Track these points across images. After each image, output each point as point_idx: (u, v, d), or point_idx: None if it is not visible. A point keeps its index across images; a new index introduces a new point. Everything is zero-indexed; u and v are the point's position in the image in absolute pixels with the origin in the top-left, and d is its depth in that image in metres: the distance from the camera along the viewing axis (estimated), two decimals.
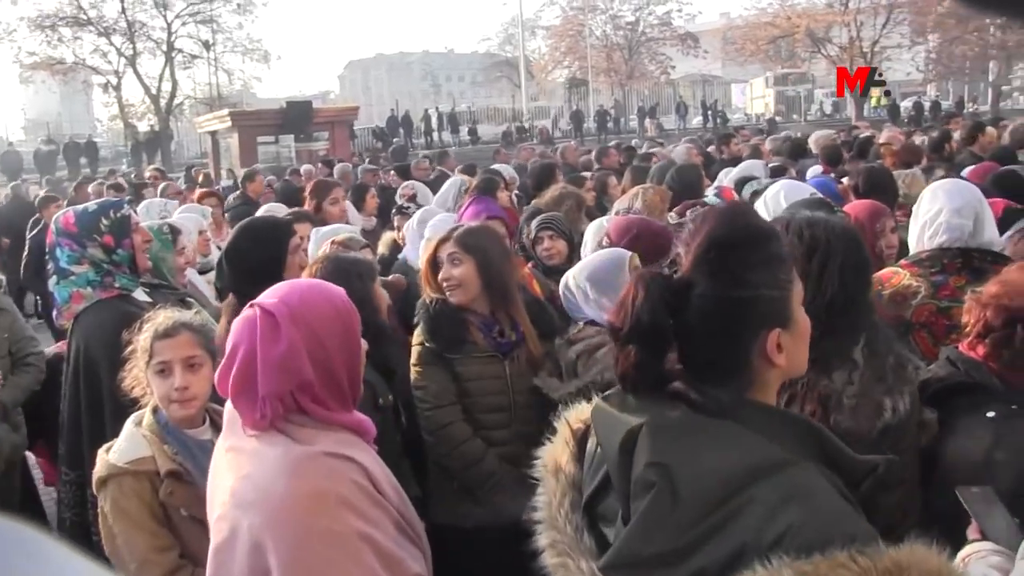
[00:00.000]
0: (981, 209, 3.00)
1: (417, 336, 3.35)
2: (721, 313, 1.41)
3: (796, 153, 9.28)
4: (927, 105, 38.88)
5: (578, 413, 1.65)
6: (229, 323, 2.37)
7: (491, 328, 3.28)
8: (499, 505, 3.05)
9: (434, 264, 3.31)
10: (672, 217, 4.41)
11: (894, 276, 3.02)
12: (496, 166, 9.00)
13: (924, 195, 3.09)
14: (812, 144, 9.74)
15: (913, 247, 3.07)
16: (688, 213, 4.14)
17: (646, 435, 1.38)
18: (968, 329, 2.37)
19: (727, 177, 6.41)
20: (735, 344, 1.43)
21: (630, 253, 3.22)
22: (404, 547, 1.89)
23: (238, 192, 9.52)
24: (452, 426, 3.22)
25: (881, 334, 2.30)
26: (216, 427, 2.46)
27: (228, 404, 1.97)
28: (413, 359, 3.33)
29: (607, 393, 1.55)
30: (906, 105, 41.10)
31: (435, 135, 38.89)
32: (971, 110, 36.59)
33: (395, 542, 1.85)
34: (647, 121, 39.66)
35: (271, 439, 1.86)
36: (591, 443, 1.57)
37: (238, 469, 1.87)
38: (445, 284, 3.26)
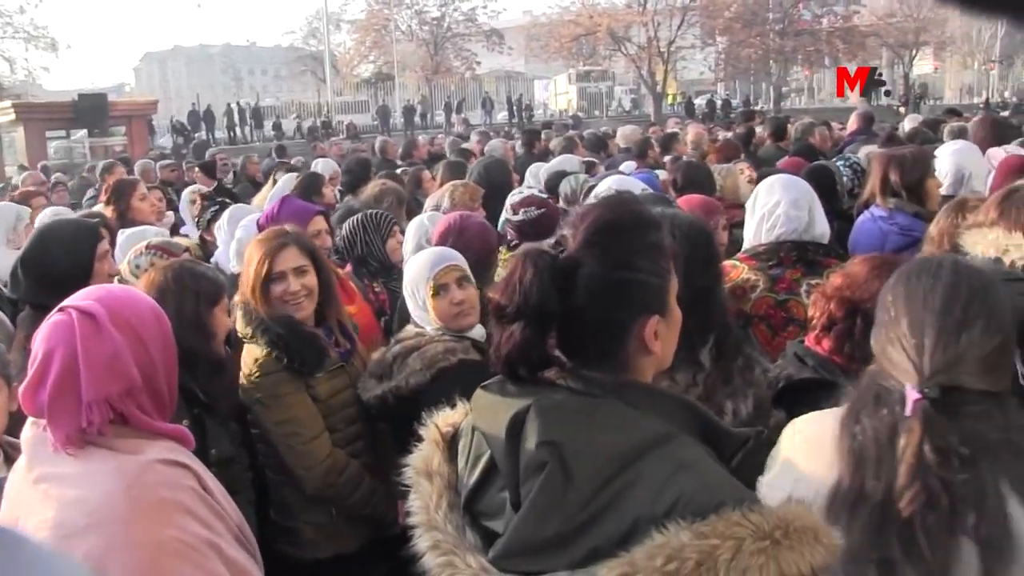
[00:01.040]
0: (813, 203, 3.09)
1: (260, 362, 2.88)
2: (606, 294, 1.42)
3: (598, 148, 9.45)
4: (719, 103, 41.18)
5: (445, 417, 1.63)
6: (28, 338, 2.08)
7: (329, 337, 3.05)
8: (382, 519, 2.97)
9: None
10: (508, 211, 4.32)
11: (732, 270, 3.05)
12: (318, 161, 8.74)
13: (760, 189, 3.14)
14: (620, 139, 9.96)
15: (750, 241, 3.11)
16: (521, 211, 4.06)
17: (534, 416, 1.37)
18: (814, 323, 2.41)
19: (541, 171, 6.39)
20: (617, 326, 1.44)
21: (455, 253, 3.05)
22: (244, 557, 1.84)
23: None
24: (332, 456, 2.92)
25: (732, 335, 2.30)
26: (9, 460, 2.19)
27: (26, 431, 1.81)
28: (264, 389, 2.88)
29: (486, 383, 1.52)
30: (700, 103, 43.40)
31: (238, 130, 37.52)
32: (757, 108, 39.02)
33: (236, 551, 1.80)
34: (454, 116, 39.82)
35: (96, 456, 1.73)
36: (463, 443, 1.56)
37: (60, 498, 1.70)
38: (290, 297, 2.93)
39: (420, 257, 3.01)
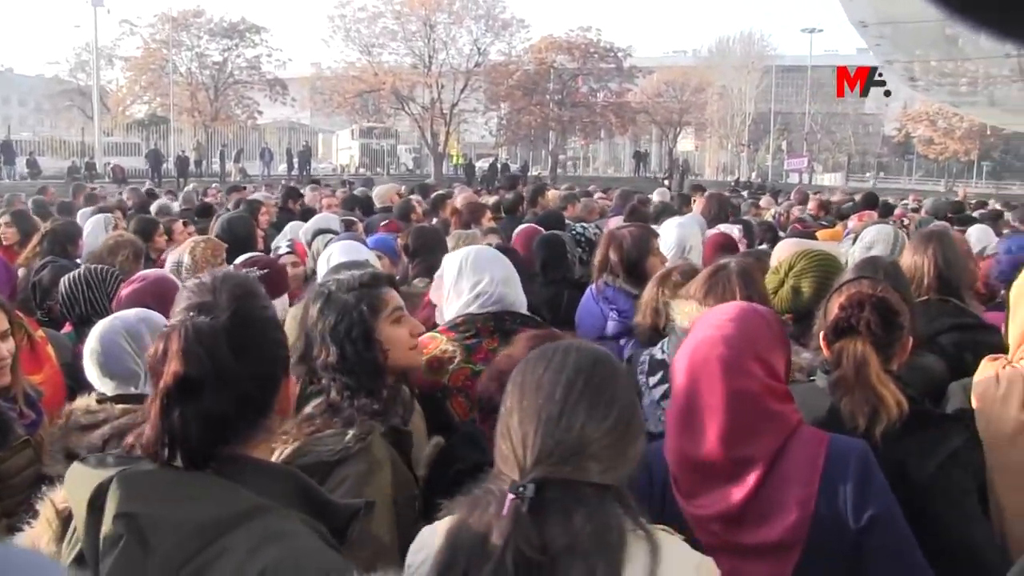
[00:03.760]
0: (512, 274, 3.07)
1: None
2: (262, 358, 1.43)
3: (365, 207, 9.34)
4: (500, 167, 42.38)
5: (63, 493, 1.52)
6: None
7: (12, 407, 2.63)
8: None
9: None
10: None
11: (431, 342, 2.96)
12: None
13: (461, 264, 3.07)
14: (376, 199, 9.91)
15: (453, 312, 3.03)
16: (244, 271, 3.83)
17: (115, 488, 1.31)
18: (481, 404, 2.38)
19: (302, 230, 6.19)
20: (271, 387, 1.46)
21: None
22: None
23: None
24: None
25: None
26: None
27: None
28: None
29: (84, 456, 1.46)
30: (481, 166, 44.48)
31: None
32: (534, 174, 40.49)
33: None
34: (230, 165, 38.61)
35: None
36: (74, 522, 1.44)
37: None
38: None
39: None
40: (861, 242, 4.72)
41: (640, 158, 54.20)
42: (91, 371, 2.50)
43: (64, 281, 3.88)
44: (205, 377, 1.34)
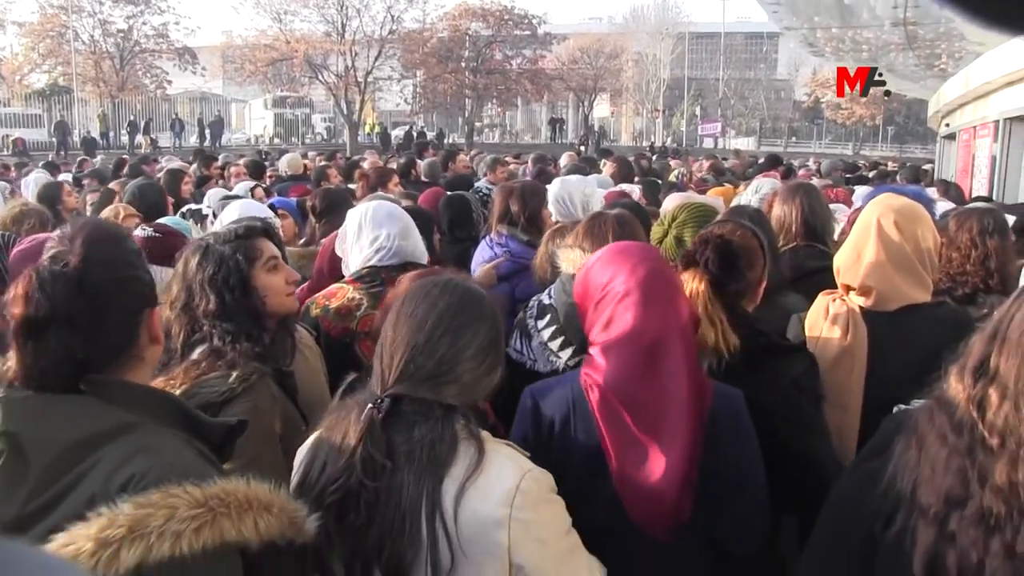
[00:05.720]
0: (409, 228, 3.28)
1: None
2: (116, 293, 1.55)
3: (260, 173, 9.39)
4: (416, 135, 42.12)
5: None
6: None
7: None
8: None
9: None
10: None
11: (339, 291, 3.17)
12: None
13: (361, 219, 3.27)
14: (284, 166, 10.00)
15: (356, 264, 3.24)
16: (147, 230, 3.95)
17: None
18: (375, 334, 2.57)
19: (208, 195, 6.29)
20: (128, 321, 1.59)
21: None
22: None
23: None
24: None
25: None
26: None
27: None
28: None
29: None
30: (397, 134, 44.16)
31: None
32: (450, 141, 40.41)
33: None
34: (140, 137, 37.59)
35: None
36: None
37: None
38: None
39: None
40: (756, 193, 5.02)
41: (556, 124, 54.49)
42: None
43: None
44: (48, 318, 1.48)
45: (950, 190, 7.89)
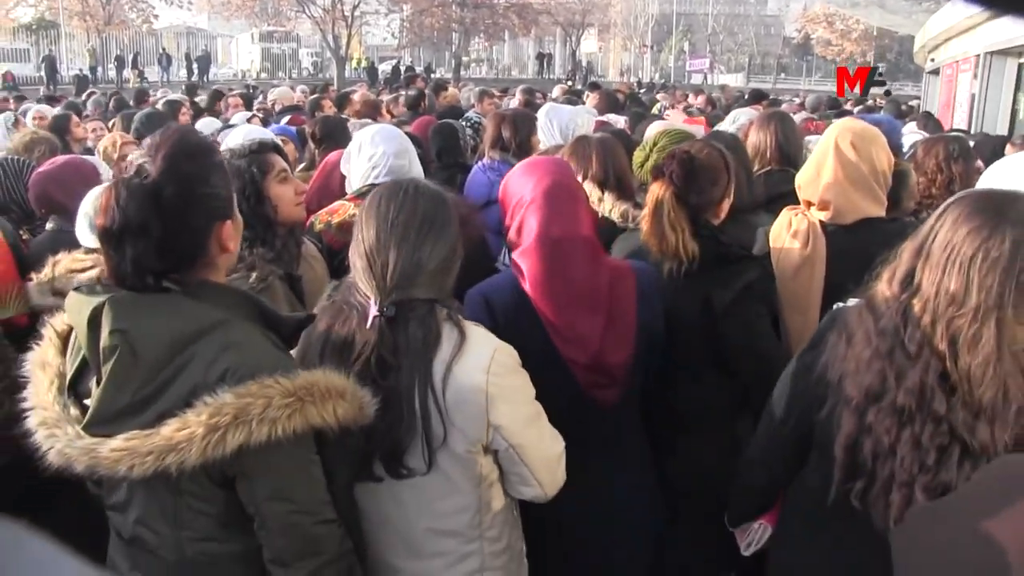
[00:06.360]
0: (412, 153, 3.49)
1: None
2: (188, 209, 1.68)
3: (249, 107, 9.56)
4: (403, 69, 41.78)
5: (62, 318, 1.85)
6: None
7: None
8: None
9: None
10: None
11: (341, 207, 3.40)
12: None
13: (362, 140, 3.48)
14: (277, 98, 10.17)
15: (357, 183, 3.45)
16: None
17: (107, 310, 1.62)
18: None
19: (209, 128, 6.47)
20: (198, 236, 1.72)
21: None
22: None
23: None
24: None
25: None
26: None
27: None
28: None
29: (77, 286, 1.79)
30: (384, 68, 43.81)
31: None
32: (437, 76, 40.11)
33: None
34: (128, 71, 37.22)
35: None
36: (71, 339, 1.80)
37: None
38: None
39: None
40: (734, 124, 5.23)
41: (543, 59, 54.07)
42: (83, 227, 2.89)
43: None
44: (121, 230, 1.64)
45: (929, 124, 8.09)
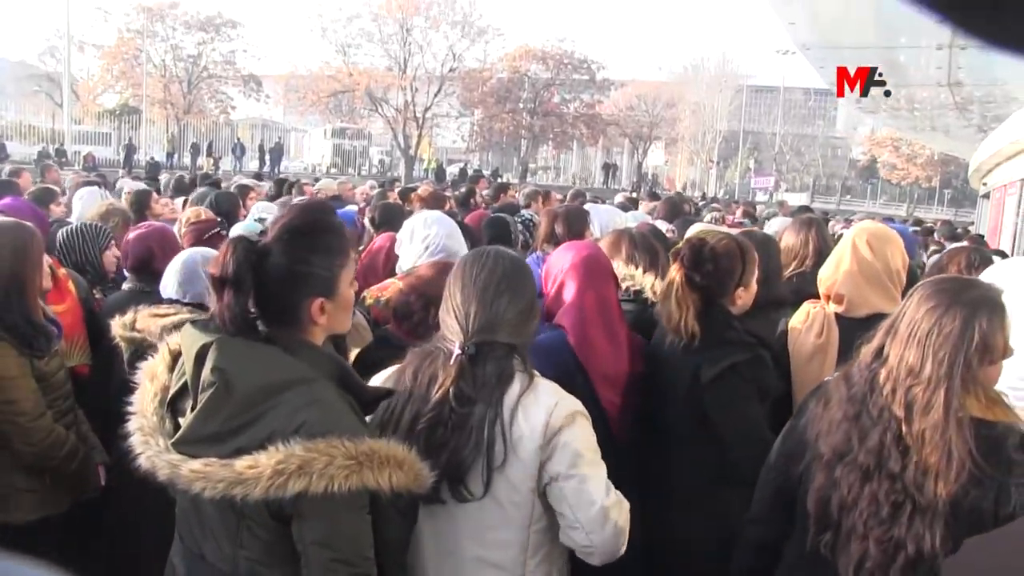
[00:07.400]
0: (456, 231, 3.75)
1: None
2: (285, 279, 1.92)
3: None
4: (471, 172, 42.86)
5: (177, 337, 2.06)
6: None
7: None
8: (86, 482, 3.35)
9: None
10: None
11: (391, 285, 3.64)
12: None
13: (415, 224, 3.74)
14: (323, 189, 10.76)
15: (408, 263, 3.70)
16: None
17: (214, 348, 1.86)
18: (395, 313, 3.14)
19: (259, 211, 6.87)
20: (291, 302, 1.95)
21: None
22: None
23: None
24: (54, 432, 3.17)
25: None
26: None
27: None
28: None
29: (195, 321, 2.03)
30: (452, 171, 44.94)
31: None
32: (504, 180, 41.04)
33: None
34: (202, 159, 38.86)
35: None
36: (181, 359, 2.01)
37: None
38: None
39: None
40: (768, 230, 5.44)
41: (609, 169, 55.11)
42: (170, 283, 3.26)
43: (62, 233, 4.41)
44: (223, 280, 1.89)
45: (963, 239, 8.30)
